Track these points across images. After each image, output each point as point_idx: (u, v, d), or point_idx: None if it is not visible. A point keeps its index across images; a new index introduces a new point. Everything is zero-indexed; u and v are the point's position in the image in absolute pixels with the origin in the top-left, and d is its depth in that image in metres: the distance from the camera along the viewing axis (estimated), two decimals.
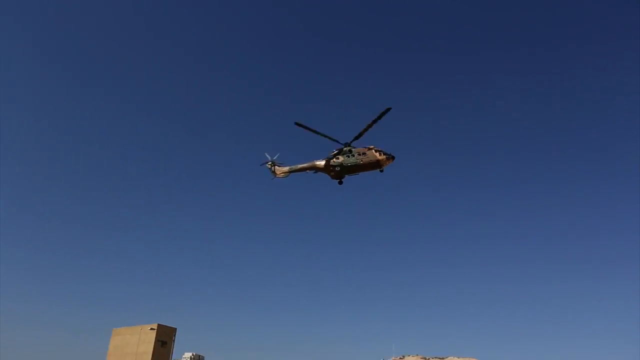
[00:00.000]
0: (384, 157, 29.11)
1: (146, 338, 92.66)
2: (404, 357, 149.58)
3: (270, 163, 29.60)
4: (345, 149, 28.44)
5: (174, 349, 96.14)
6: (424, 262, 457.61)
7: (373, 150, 28.56)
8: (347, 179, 30.31)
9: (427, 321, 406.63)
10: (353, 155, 28.05)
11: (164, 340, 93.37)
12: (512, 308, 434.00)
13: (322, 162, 29.22)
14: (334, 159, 28.60)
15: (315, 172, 30.05)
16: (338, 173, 28.71)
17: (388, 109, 25.65)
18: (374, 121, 26.36)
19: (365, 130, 26.91)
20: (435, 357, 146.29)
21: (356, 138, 28.10)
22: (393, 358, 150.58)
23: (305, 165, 29.53)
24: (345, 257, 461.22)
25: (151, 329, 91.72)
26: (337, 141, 28.16)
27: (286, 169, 29.76)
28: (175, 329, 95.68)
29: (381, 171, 28.54)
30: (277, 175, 29.90)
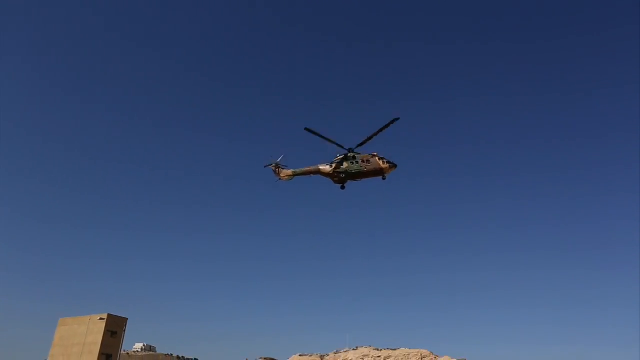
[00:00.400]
0: (387, 165, 29.38)
1: (95, 328, 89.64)
2: (357, 348, 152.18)
3: (274, 165, 29.06)
4: (349, 155, 28.34)
5: (125, 340, 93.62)
6: (379, 253, 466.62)
7: (377, 158, 28.74)
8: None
9: (380, 313, 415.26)
10: (357, 162, 28.16)
11: (114, 330, 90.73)
12: (465, 298, 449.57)
13: (327, 167, 28.87)
14: (339, 165, 28.28)
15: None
16: (342, 179, 28.59)
17: (396, 119, 25.92)
18: (380, 130, 26.30)
19: (370, 138, 27.00)
20: (387, 349, 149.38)
21: (360, 145, 27.93)
22: (346, 349, 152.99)
23: (309, 168, 29.32)
24: (301, 248, 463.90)
25: (100, 318, 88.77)
26: (342, 147, 27.97)
27: (290, 172, 29.38)
28: (126, 319, 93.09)
29: (383, 179, 29.01)
30: (281, 178, 29.37)
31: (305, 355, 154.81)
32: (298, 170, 29.34)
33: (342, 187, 29.09)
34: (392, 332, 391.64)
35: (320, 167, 29.07)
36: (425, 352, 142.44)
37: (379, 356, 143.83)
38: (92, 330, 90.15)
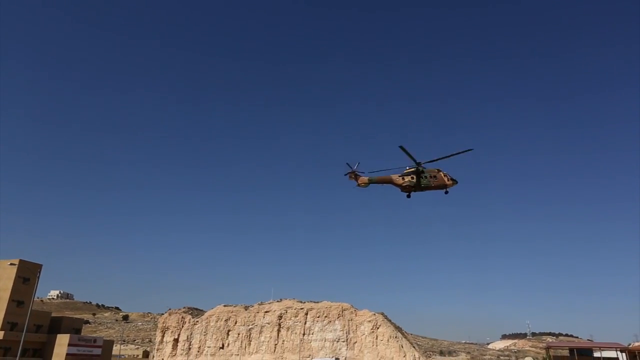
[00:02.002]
0: (450, 182, 31.79)
1: (4, 274, 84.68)
2: (281, 300, 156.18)
3: (352, 173, 30.53)
4: (419, 169, 30.45)
5: (39, 287, 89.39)
6: (303, 208, 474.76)
7: (442, 174, 31.21)
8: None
9: (305, 268, 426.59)
10: (426, 177, 30.64)
11: (27, 276, 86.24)
12: (383, 254, 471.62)
13: (399, 179, 31.07)
14: (410, 178, 30.67)
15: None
16: (410, 189, 31.12)
17: (469, 150, 28.15)
18: (451, 155, 28.41)
19: (440, 159, 28.89)
20: (310, 301, 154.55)
21: (429, 162, 30.07)
22: (270, 301, 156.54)
23: (383, 178, 31.19)
24: (227, 202, 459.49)
25: (11, 264, 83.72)
26: (415, 160, 29.81)
27: (366, 179, 30.96)
28: (41, 265, 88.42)
29: (446, 193, 31.82)
30: (358, 184, 30.85)
31: (230, 305, 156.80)
32: (373, 178, 31.32)
33: (408, 196, 31.86)
34: (315, 287, 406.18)
35: (393, 178, 31.43)
36: (346, 305, 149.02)
37: (302, 308, 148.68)
38: (2, 276, 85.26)
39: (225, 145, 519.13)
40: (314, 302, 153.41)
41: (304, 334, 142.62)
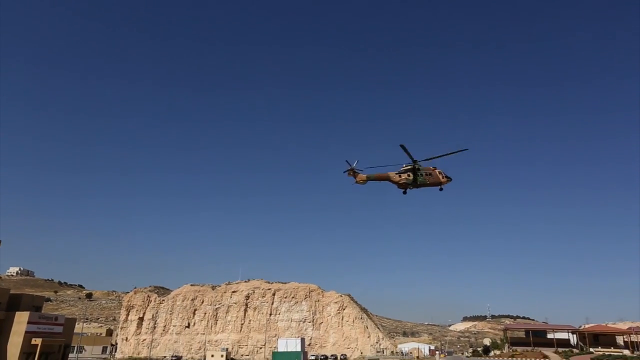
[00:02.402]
0: (445, 179, 32.89)
1: None
2: (249, 280, 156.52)
3: (351, 170, 31.22)
4: (415, 167, 31.54)
5: None
6: (272, 190, 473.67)
7: (437, 172, 32.32)
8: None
9: (273, 248, 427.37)
10: (422, 175, 31.79)
11: None
12: (354, 235, 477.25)
13: (396, 176, 32.02)
14: (407, 175, 31.79)
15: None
16: (406, 186, 32.26)
17: (464, 149, 29.48)
18: (447, 154, 29.59)
19: (435, 157, 30.25)
20: (278, 282, 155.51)
21: (425, 160, 31.40)
22: (238, 281, 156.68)
23: (380, 175, 32.04)
24: (196, 182, 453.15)
25: None
26: (412, 158, 30.90)
27: (364, 176, 31.69)
28: None
29: (440, 190, 33.05)
30: (357, 181, 31.69)
31: (197, 285, 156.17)
32: (371, 175, 32.12)
33: (404, 192, 32.97)
34: (283, 268, 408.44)
35: (390, 175, 32.28)
36: (313, 286, 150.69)
37: (269, 289, 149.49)
38: None
39: (190, 128, 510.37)
40: (282, 282, 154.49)
41: (270, 314, 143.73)
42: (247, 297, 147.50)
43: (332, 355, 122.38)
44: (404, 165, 32.66)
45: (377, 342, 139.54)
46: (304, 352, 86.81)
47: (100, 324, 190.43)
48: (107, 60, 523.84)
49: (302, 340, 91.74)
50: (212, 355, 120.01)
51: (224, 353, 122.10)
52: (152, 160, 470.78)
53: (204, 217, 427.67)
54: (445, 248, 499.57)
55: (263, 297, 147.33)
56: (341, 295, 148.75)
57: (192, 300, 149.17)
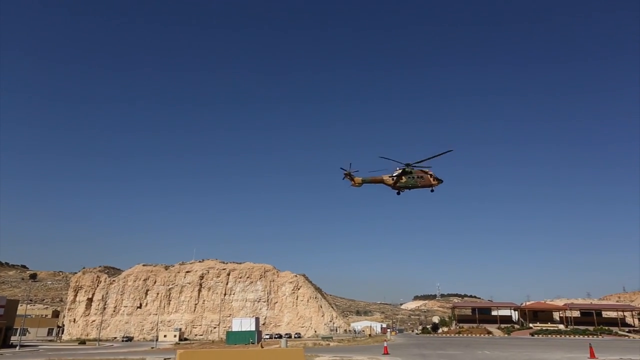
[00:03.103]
0: (437, 182, 34.47)
1: None
2: (203, 260, 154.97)
3: (347, 173, 32.90)
4: (407, 169, 33.32)
5: None
6: (224, 169, 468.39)
7: (428, 175, 34.02)
8: None
9: (227, 228, 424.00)
10: (413, 177, 33.56)
11: None
12: (309, 215, 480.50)
13: (389, 179, 33.78)
14: (399, 179, 33.70)
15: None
16: (399, 188, 34.09)
17: (450, 150, 31.22)
18: (434, 156, 31.60)
19: (424, 160, 32.38)
20: (233, 262, 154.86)
21: (415, 163, 33.42)
22: (192, 261, 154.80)
23: (375, 178, 33.86)
24: (147, 163, 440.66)
25: None
26: (401, 163, 33.03)
27: (360, 179, 33.26)
28: None
29: (432, 191, 34.87)
30: (353, 184, 33.29)
31: (149, 265, 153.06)
32: (366, 179, 33.93)
33: (398, 193, 34.72)
34: (238, 248, 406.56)
35: (384, 178, 34.07)
36: (268, 266, 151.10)
37: (224, 269, 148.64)
38: None
39: (153, 109, 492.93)
40: (237, 263, 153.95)
41: (225, 294, 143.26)
42: (202, 277, 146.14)
43: (286, 334, 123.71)
44: (397, 169, 34.34)
45: (330, 321, 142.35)
46: (258, 331, 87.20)
47: (45, 306, 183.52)
48: None
49: (257, 319, 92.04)
50: (165, 336, 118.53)
51: (177, 333, 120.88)
52: (103, 135, 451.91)
53: (156, 197, 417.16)
54: (398, 228, 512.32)
55: (217, 277, 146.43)
56: (296, 276, 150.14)
57: (144, 280, 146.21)
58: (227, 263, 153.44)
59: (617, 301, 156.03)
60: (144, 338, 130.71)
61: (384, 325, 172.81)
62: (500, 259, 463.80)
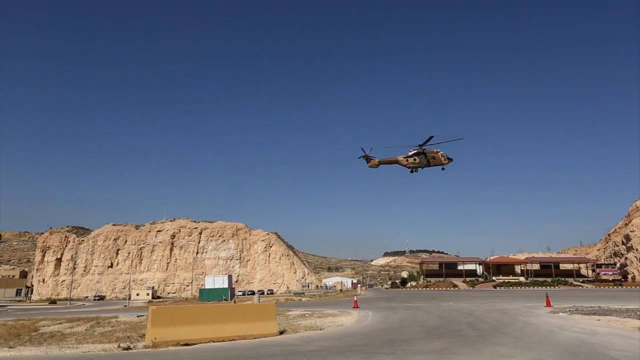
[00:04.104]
0: (447, 161, 36.86)
1: None
2: (174, 219, 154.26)
3: (365, 156, 34.56)
4: (420, 150, 35.56)
5: None
6: (192, 129, 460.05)
7: (440, 154, 36.26)
8: None
9: (199, 187, 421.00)
10: (426, 157, 35.83)
11: None
12: (281, 173, 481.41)
13: (404, 160, 35.91)
14: (413, 159, 35.82)
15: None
16: (413, 167, 36.41)
17: (460, 139, 34.79)
18: (445, 142, 34.67)
19: (437, 143, 35.17)
20: (205, 221, 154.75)
21: (428, 144, 35.75)
22: (163, 220, 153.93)
23: (390, 159, 36.02)
24: (114, 120, 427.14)
25: None
26: (416, 146, 35.46)
27: (377, 161, 35.12)
28: None
29: (443, 169, 37.25)
30: (370, 166, 35.07)
31: (119, 225, 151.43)
32: (383, 160, 35.89)
33: (411, 172, 36.95)
34: (210, 207, 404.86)
35: (399, 159, 36.15)
36: (240, 225, 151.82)
37: (195, 227, 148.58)
38: None
39: (121, 61, 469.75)
40: (209, 222, 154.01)
41: (197, 253, 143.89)
42: (173, 236, 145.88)
43: (259, 291, 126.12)
44: (411, 150, 36.38)
45: (302, 278, 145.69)
46: (231, 289, 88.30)
47: (12, 266, 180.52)
48: None
49: (230, 277, 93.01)
50: (138, 294, 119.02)
51: (150, 291, 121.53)
52: (70, 91, 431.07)
53: (124, 155, 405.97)
54: (369, 184, 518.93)
55: (189, 236, 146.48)
56: (268, 234, 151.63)
57: (114, 240, 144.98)
58: (198, 222, 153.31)
59: (574, 254, 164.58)
60: (116, 297, 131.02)
61: (355, 281, 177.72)
62: (467, 215, 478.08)
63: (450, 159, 37.69)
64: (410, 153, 36.51)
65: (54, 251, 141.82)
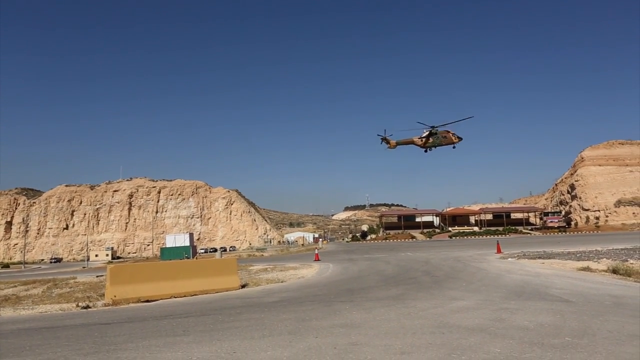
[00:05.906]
0: (457, 139, 39.20)
1: None
2: (131, 178, 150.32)
3: (383, 137, 36.97)
4: (433, 131, 38.22)
5: None
6: (148, 89, 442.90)
7: (451, 134, 38.87)
8: None
9: (155, 146, 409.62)
10: (438, 138, 38.55)
11: None
12: (239, 130, 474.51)
13: (418, 140, 38.50)
14: (427, 139, 38.46)
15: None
16: (427, 147, 39.09)
17: (470, 117, 38.05)
18: (457, 121, 37.34)
19: (448, 124, 37.70)
20: (163, 180, 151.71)
21: (440, 125, 38.55)
22: (119, 180, 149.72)
23: (407, 140, 38.78)
24: (72, 76, 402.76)
25: None
26: (428, 126, 37.98)
27: (394, 142, 37.67)
28: None
29: (454, 147, 39.63)
30: (389, 147, 37.59)
31: (73, 185, 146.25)
32: (400, 141, 38.56)
33: (425, 151, 39.31)
34: (168, 165, 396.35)
35: (414, 139, 38.69)
36: (200, 183, 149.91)
37: (154, 187, 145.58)
38: None
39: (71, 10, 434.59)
40: (167, 180, 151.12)
41: (157, 212, 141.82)
42: (131, 195, 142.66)
43: (221, 248, 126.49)
44: (424, 131, 39.12)
45: (264, 234, 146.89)
46: (193, 246, 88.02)
47: None
48: None
49: (191, 235, 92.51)
50: (97, 255, 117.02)
51: (109, 252, 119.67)
52: (25, 34, 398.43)
53: (76, 116, 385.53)
54: (328, 141, 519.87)
55: (148, 195, 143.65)
56: (229, 191, 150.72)
57: (68, 201, 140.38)
58: (157, 181, 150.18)
59: (524, 204, 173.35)
60: (73, 259, 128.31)
61: (316, 236, 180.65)
62: (425, 168, 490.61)
63: (460, 138, 40.35)
64: (424, 134, 39.28)
65: (2, 214, 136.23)
